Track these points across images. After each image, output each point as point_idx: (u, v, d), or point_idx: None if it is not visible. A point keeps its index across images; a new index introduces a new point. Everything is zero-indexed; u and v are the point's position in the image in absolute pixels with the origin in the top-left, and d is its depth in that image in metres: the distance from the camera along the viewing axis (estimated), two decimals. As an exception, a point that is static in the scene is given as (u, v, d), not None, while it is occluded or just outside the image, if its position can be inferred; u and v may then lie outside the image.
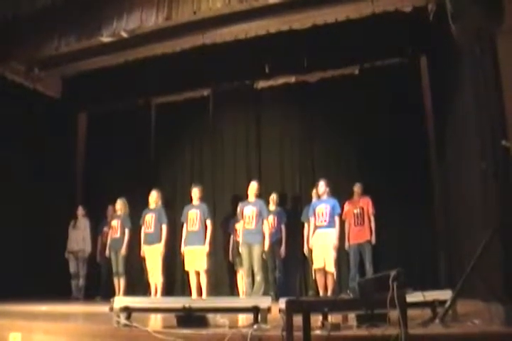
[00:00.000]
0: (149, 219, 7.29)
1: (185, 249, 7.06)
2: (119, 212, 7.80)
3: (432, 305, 3.29)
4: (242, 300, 5.16)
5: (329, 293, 6.56)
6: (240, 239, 6.95)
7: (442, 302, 3.25)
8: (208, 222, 7.05)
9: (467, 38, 4.42)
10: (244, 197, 7.10)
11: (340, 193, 7.27)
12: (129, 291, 7.59)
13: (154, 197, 7.37)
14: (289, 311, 2.55)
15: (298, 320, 2.55)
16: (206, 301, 4.30)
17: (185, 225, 7.15)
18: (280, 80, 8.46)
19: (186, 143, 9.07)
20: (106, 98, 9.08)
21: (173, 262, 8.02)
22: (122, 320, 3.37)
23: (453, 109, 6.05)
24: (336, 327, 2.86)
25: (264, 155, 8.48)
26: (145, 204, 7.52)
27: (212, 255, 7.43)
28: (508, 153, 3.82)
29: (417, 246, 7.18)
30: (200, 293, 7.00)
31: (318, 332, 2.79)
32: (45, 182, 8.53)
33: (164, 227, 7.22)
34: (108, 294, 7.04)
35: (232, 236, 7.69)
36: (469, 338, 2.72)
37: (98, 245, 8.44)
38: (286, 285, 7.46)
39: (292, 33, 7.66)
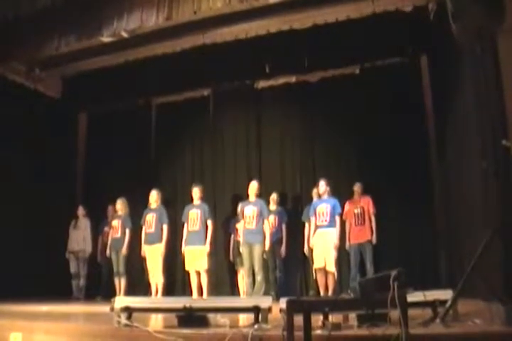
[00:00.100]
0: (150, 219, 7.29)
1: (185, 249, 7.06)
2: (119, 212, 7.80)
3: (432, 304, 3.29)
4: (243, 299, 5.16)
5: (330, 292, 6.56)
6: (240, 239, 6.96)
7: (443, 302, 3.25)
8: (209, 222, 7.05)
9: (468, 37, 4.42)
10: (244, 196, 7.10)
11: (341, 193, 7.28)
12: (130, 291, 7.59)
13: (154, 197, 7.38)
14: (290, 311, 2.54)
15: (299, 319, 2.55)
16: (207, 301, 4.30)
17: (185, 225, 7.15)
18: (281, 80, 8.46)
19: (187, 142, 9.07)
20: (106, 98, 9.07)
21: (173, 262, 8.02)
22: (123, 320, 3.38)
23: (453, 108, 6.05)
24: (336, 326, 2.86)
25: (265, 155, 8.48)
26: (145, 204, 7.52)
27: (212, 255, 7.43)
28: (508, 153, 3.82)
29: (417, 245, 7.17)
30: (200, 292, 7.00)
31: (318, 331, 2.79)
32: (45, 183, 8.53)
33: (165, 227, 7.23)
34: (109, 294, 7.04)
35: (232, 236, 7.69)
36: (470, 338, 2.72)
37: (99, 245, 8.44)
38: (286, 285, 7.45)
39: (293, 32, 7.66)
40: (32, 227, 8.10)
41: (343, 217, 7.03)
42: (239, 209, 7.06)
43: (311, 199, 7.36)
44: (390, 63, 7.74)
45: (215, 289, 7.65)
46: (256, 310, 3.25)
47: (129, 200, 7.88)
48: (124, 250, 7.52)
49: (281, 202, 7.85)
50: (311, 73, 8.20)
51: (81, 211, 8.43)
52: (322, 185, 6.89)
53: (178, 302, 3.49)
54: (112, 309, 3.48)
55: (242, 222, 6.86)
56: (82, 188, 9.70)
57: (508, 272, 3.85)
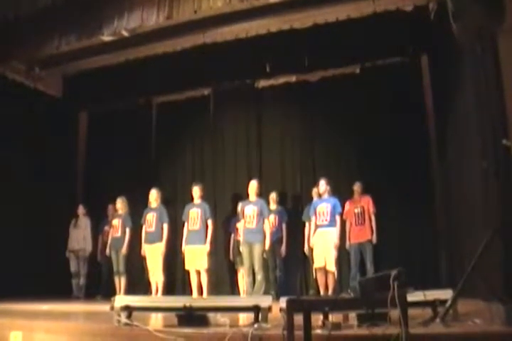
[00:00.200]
0: (150, 218, 7.29)
1: (186, 248, 7.07)
2: (120, 211, 7.81)
3: (432, 304, 3.29)
4: (243, 299, 5.16)
5: (330, 292, 6.56)
6: (240, 238, 6.96)
7: (443, 302, 3.25)
8: (209, 221, 7.05)
9: (468, 36, 4.42)
10: (244, 196, 7.10)
11: (341, 192, 7.27)
12: (130, 290, 7.59)
13: (154, 196, 7.38)
14: (290, 310, 2.55)
15: (299, 319, 2.56)
16: (207, 300, 4.30)
17: (186, 224, 7.15)
18: (281, 79, 8.45)
19: (187, 142, 9.07)
20: (107, 97, 9.07)
21: (173, 261, 8.02)
22: (123, 319, 3.38)
23: (454, 107, 6.05)
24: (336, 326, 2.86)
25: (265, 155, 8.48)
26: (146, 203, 7.52)
27: (213, 254, 7.43)
28: (508, 152, 3.82)
29: (418, 245, 7.17)
30: (200, 292, 7.00)
31: (318, 331, 2.80)
32: (45, 182, 8.53)
33: (165, 226, 7.23)
34: (109, 293, 7.05)
35: (232, 236, 7.69)
36: (470, 338, 2.72)
37: (99, 244, 8.44)
38: (286, 285, 7.45)
39: (293, 32, 7.66)
40: (32, 226, 8.10)
41: (344, 217, 7.03)
42: (239, 208, 7.06)
43: (311, 198, 7.36)
44: (390, 63, 7.74)
45: (215, 288, 7.65)
46: (256, 309, 3.26)
47: (129, 199, 7.89)
48: (124, 249, 7.52)
49: (282, 201, 7.85)
50: (312, 73, 8.19)
51: (81, 210, 8.44)
52: (322, 185, 6.88)
53: (178, 301, 3.49)
54: (112, 308, 3.48)
55: (242, 221, 6.86)
56: (83, 187, 9.70)
57: (508, 272, 3.85)
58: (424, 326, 3.00)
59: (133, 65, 8.55)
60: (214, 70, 8.22)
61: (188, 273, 7.17)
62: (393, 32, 7.14)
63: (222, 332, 2.99)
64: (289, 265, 7.58)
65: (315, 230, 6.82)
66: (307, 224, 7.16)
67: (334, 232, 6.70)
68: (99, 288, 8.20)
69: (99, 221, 8.56)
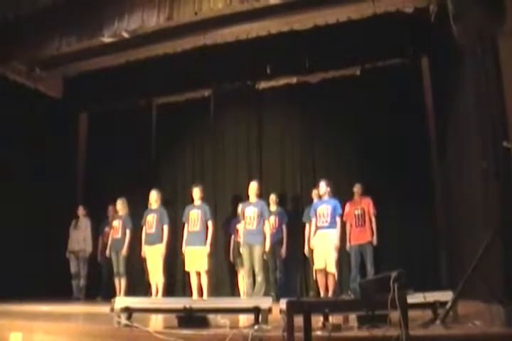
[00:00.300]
0: (151, 220, 7.29)
1: (186, 250, 7.06)
2: (120, 212, 7.80)
3: (432, 306, 3.29)
4: (243, 300, 5.16)
5: (330, 293, 6.55)
6: (240, 240, 6.96)
7: (443, 304, 3.25)
8: (209, 223, 7.05)
9: (469, 38, 4.42)
10: (245, 197, 7.09)
11: (342, 193, 7.26)
12: (130, 291, 7.58)
13: (154, 197, 7.37)
14: (290, 312, 2.55)
15: (299, 320, 2.56)
16: (207, 302, 4.30)
17: (186, 225, 7.14)
18: (281, 81, 8.46)
19: (187, 143, 9.07)
20: (107, 98, 9.08)
21: (174, 262, 8.02)
22: (123, 320, 3.38)
23: (454, 108, 6.06)
24: (336, 327, 2.86)
25: (266, 156, 8.48)
26: (146, 204, 7.51)
27: (213, 255, 7.43)
28: (509, 153, 3.82)
29: (418, 245, 7.18)
30: (200, 293, 7.00)
31: (319, 332, 2.79)
32: (46, 182, 8.54)
33: (166, 228, 7.22)
34: (109, 294, 7.04)
35: (233, 237, 7.69)
36: (470, 339, 2.72)
37: (99, 245, 8.43)
38: (287, 286, 7.45)
39: (293, 33, 7.66)
40: (32, 226, 8.10)
41: (344, 218, 7.03)
42: (239, 209, 7.06)
43: (311, 199, 7.36)
44: (390, 64, 7.74)
45: (215, 290, 7.65)
46: (256, 310, 3.26)
47: (130, 201, 7.88)
48: (124, 250, 7.51)
49: (282, 202, 7.85)
50: (312, 74, 8.20)
51: (81, 211, 8.43)
52: (322, 186, 6.88)
53: (178, 302, 3.49)
54: (112, 309, 3.48)
55: (242, 222, 6.86)
56: (83, 188, 9.70)
57: (508, 273, 3.84)
58: (425, 328, 3.00)
59: (133, 66, 8.55)
60: (214, 72, 8.23)
61: (188, 274, 7.17)
62: (393, 33, 7.14)
63: (223, 333, 2.99)
64: (289, 266, 7.58)
65: (315, 231, 6.82)
66: (307, 226, 7.15)
67: (334, 234, 6.70)
68: (99, 289, 8.19)
69: (100, 222, 8.56)
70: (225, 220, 8.18)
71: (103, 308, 4.15)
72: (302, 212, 7.56)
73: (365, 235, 6.97)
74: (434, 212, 7.28)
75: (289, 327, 2.51)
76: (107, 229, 8.28)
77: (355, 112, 7.85)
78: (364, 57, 7.62)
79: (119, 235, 7.65)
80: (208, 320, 3.39)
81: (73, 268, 8.26)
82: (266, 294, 6.49)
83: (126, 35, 7.20)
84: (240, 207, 7.05)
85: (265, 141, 8.53)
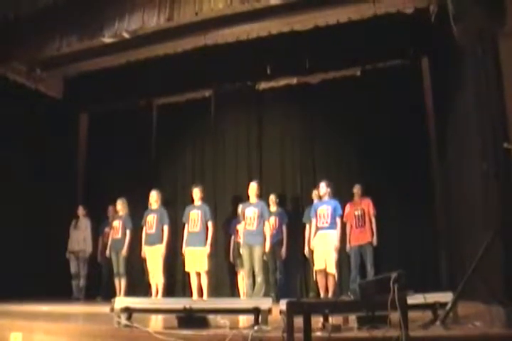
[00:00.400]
0: (151, 220, 7.29)
1: (186, 250, 7.06)
2: (120, 213, 7.80)
3: (432, 307, 3.29)
4: (243, 301, 5.16)
5: (330, 294, 6.54)
6: (240, 240, 6.96)
7: (443, 305, 3.25)
8: (210, 223, 7.05)
9: (469, 39, 4.43)
10: (245, 197, 7.09)
11: (342, 193, 7.26)
12: (130, 292, 7.58)
13: (155, 197, 7.37)
14: (290, 312, 2.55)
15: (299, 321, 2.56)
16: (207, 302, 4.30)
17: (186, 226, 7.15)
18: (282, 81, 8.46)
19: (188, 143, 9.07)
20: (107, 98, 9.08)
21: (174, 263, 8.02)
22: (123, 320, 3.38)
23: (454, 108, 6.06)
24: (336, 328, 2.86)
25: (266, 157, 8.48)
26: (146, 204, 7.51)
27: (213, 256, 7.43)
28: (509, 154, 3.82)
29: (418, 245, 7.17)
30: (200, 293, 7.00)
31: (318, 333, 2.79)
32: (46, 182, 8.54)
33: (166, 228, 7.22)
34: (109, 294, 7.04)
35: (233, 237, 7.68)
36: (470, 340, 2.72)
37: (99, 245, 8.43)
38: (286, 287, 7.45)
39: (294, 34, 7.66)
40: (32, 226, 8.10)
41: (344, 219, 7.02)
42: (239, 210, 7.06)
43: (311, 200, 7.36)
44: (391, 65, 7.74)
45: (215, 290, 7.64)
46: (256, 311, 3.26)
47: (130, 201, 7.87)
48: (124, 251, 7.51)
49: (282, 203, 7.85)
50: (312, 75, 8.20)
51: (81, 211, 8.43)
52: (323, 187, 6.88)
53: (178, 303, 3.49)
54: (112, 309, 3.48)
55: (242, 223, 6.85)
56: (83, 188, 9.70)
57: (509, 274, 3.84)
58: (424, 329, 3.00)
59: (134, 67, 8.55)
60: (215, 72, 8.23)
61: (188, 274, 7.16)
62: (394, 34, 7.14)
63: (222, 334, 2.99)
64: (289, 267, 7.58)
65: (315, 232, 6.81)
66: (307, 226, 7.15)
67: (335, 234, 6.69)
68: (99, 289, 8.19)
69: (100, 222, 8.56)
70: (225, 221, 8.18)
71: (103, 308, 4.15)
72: (302, 213, 7.55)
73: (365, 236, 6.97)
74: (434, 212, 7.28)
75: (289, 327, 2.51)
76: (107, 229, 8.28)
77: (355, 113, 7.85)
78: (364, 57, 7.62)
79: (119, 235, 7.65)
80: (208, 321, 3.39)
81: (73, 269, 8.26)
82: (266, 295, 6.48)
83: (126, 35, 7.20)
84: (240, 207, 7.05)
85: (265, 141, 8.53)
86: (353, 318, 3.16)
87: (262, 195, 7.17)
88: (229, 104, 8.76)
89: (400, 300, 2.46)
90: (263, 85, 8.63)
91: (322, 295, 6.68)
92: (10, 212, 7.77)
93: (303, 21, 7.54)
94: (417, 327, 2.98)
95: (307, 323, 2.55)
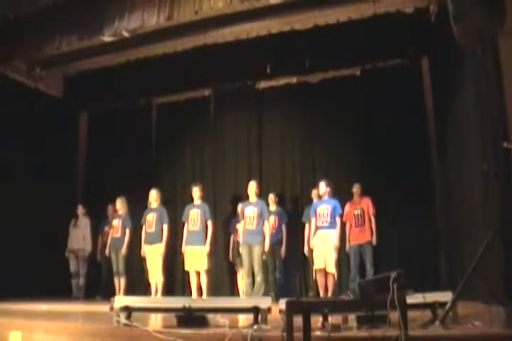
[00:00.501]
0: (151, 219, 7.29)
1: (185, 249, 7.06)
2: (120, 212, 7.80)
3: (432, 306, 3.29)
4: (243, 300, 5.16)
5: (329, 293, 6.54)
6: (240, 240, 6.96)
7: (443, 304, 3.25)
8: (209, 222, 7.05)
9: (469, 38, 4.43)
10: (244, 197, 7.09)
11: (341, 193, 7.26)
12: (130, 291, 7.58)
13: (154, 196, 7.37)
14: (289, 312, 2.55)
15: (298, 320, 2.56)
16: (206, 301, 4.30)
17: (186, 225, 7.14)
18: (281, 81, 8.46)
19: (187, 142, 9.07)
20: (107, 97, 9.08)
21: (173, 262, 8.02)
22: (122, 319, 3.38)
23: (454, 107, 6.06)
24: (336, 328, 2.86)
25: (266, 156, 8.48)
26: (145, 203, 7.51)
27: (212, 255, 7.43)
28: (509, 154, 3.82)
29: (417, 245, 7.17)
30: (200, 293, 7.00)
31: (318, 333, 2.80)
32: (45, 181, 8.53)
33: (165, 227, 7.22)
34: (108, 293, 7.06)
35: (232, 237, 7.69)
36: (469, 340, 2.73)
37: (98, 244, 8.43)
38: (286, 286, 7.45)
39: (294, 33, 7.65)
40: (32, 226, 8.10)
41: (343, 219, 7.02)
42: (239, 209, 7.06)
43: (310, 199, 7.36)
44: (390, 65, 7.73)
45: (215, 289, 7.65)
46: (255, 310, 3.26)
47: (129, 200, 7.88)
48: (123, 250, 7.52)
49: (281, 202, 7.85)
50: (312, 74, 8.20)
51: (81, 210, 8.43)
52: (322, 186, 6.88)
53: (177, 302, 3.49)
54: (112, 308, 3.49)
55: (242, 222, 6.86)
56: (83, 187, 9.70)
57: (509, 274, 3.85)
58: (424, 328, 3.00)
59: (133, 66, 8.55)
60: (215, 71, 8.22)
61: (187, 273, 7.17)
62: (394, 34, 7.14)
63: (222, 333, 3.00)
64: (288, 266, 7.58)
65: (315, 231, 6.81)
66: (307, 226, 7.15)
67: (334, 234, 6.69)
68: (99, 288, 8.19)
69: (99, 221, 8.56)
70: (224, 220, 8.18)
71: (102, 307, 4.15)
72: (302, 212, 7.56)
73: (364, 235, 6.97)
74: (434, 212, 7.28)
75: (289, 327, 2.51)
76: (106, 228, 8.28)
77: (355, 112, 7.85)
78: (364, 57, 7.61)
79: (118, 234, 7.65)
80: (208, 320, 3.40)
81: (73, 267, 8.26)
82: (265, 294, 6.48)
83: (126, 34, 7.19)
84: (240, 206, 7.05)
85: (265, 140, 8.53)
86: (352, 318, 3.16)
87: (262, 194, 7.17)
88: (229, 103, 8.75)
89: (400, 300, 2.46)
90: (263, 84, 8.63)
91: (321, 294, 6.68)
92: (10, 212, 7.76)
93: (303, 20, 7.53)
94: (417, 326, 2.98)
95: (307, 322, 2.55)
